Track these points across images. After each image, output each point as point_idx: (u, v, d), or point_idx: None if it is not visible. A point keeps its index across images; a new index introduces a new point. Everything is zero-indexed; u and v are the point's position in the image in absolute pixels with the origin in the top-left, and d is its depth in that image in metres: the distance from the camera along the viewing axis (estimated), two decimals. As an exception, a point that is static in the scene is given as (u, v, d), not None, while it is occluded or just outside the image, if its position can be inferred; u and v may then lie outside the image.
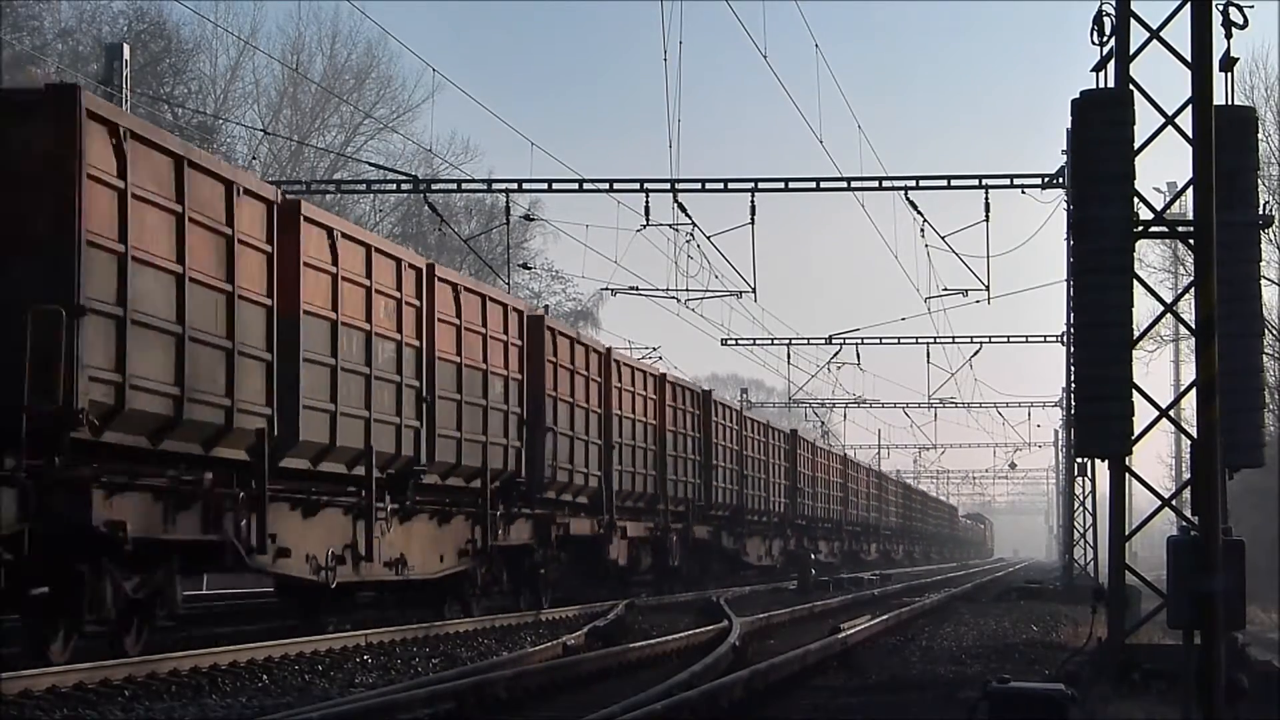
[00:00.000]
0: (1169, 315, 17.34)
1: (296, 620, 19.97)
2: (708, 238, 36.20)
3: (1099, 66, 16.36)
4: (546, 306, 39.96)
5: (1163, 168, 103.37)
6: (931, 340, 56.25)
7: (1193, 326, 12.42)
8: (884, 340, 57.23)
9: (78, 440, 13.46)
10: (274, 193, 16.81)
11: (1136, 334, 15.67)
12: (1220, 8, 16.19)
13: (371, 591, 20.91)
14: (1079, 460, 41.19)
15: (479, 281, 24.88)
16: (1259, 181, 18.09)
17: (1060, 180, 36.00)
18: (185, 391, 14.72)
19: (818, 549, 52.46)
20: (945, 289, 42.19)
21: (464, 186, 42.03)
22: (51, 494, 13.26)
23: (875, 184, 36.49)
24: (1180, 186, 19.90)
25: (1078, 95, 15.54)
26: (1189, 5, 12.10)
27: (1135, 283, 15.31)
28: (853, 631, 21.75)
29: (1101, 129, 15.23)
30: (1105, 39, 15.92)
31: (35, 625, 13.97)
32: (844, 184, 36.11)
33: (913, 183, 36.04)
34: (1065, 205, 34.52)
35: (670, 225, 35.97)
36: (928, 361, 58.67)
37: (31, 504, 13.10)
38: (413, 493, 20.39)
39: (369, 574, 19.30)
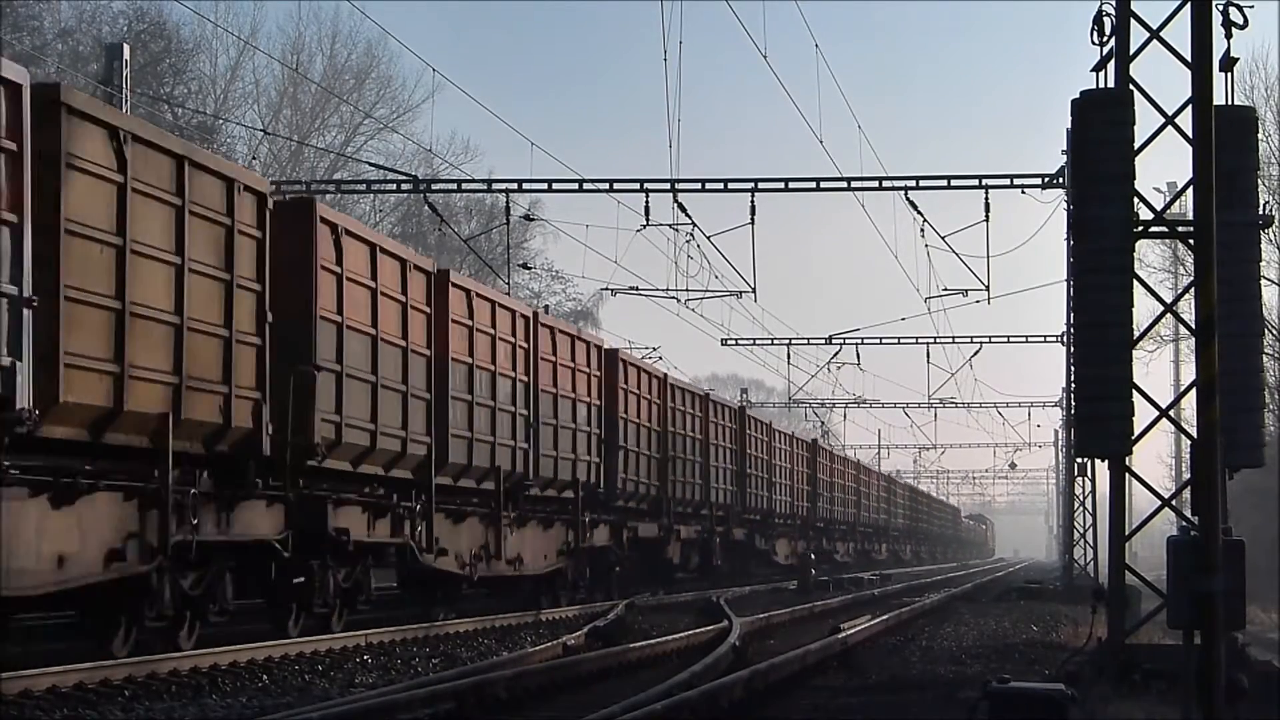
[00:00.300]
0: (1169, 315, 17.34)
1: (417, 609, 22.87)
2: (708, 238, 36.22)
3: (1099, 66, 16.36)
4: (546, 306, 39.98)
5: (1163, 168, 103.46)
6: (931, 340, 56.25)
7: (1193, 326, 12.41)
8: (884, 340, 57.21)
9: (309, 466, 17.75)
10: (432, 264, 21.38)
11: (1136, 334, 15.66)
12: (1220, 8, 16.20)
13: (473, 586, 23.86)
14: (1079, 460, 41.17)
15: (570, 324, 29.87)
16: (1259, 181, 18.07)
17: (1060, 180, 35.97)
18: (378, 427, 19.06)
19: (835, 549, 57.07)
20: (945, 289, 42.18)
21: (464, 186, 42.01)
22: (301, 508, 17.60)
23: (875, 184, 36.45)
24: (1180, 186, 19.89)
25: (1078, 95, 15.53)
26: (1189, 5, 12.09)
27: (1135, 283, 15.31)
28: (853, 631, 21.76)
29: (1101, 129, 15.22)
30: (1105, 39, 15.91)
31: (282, 608, 18.18)
32: (844, 184, 36.08)
33: (913, 183, 36.00)
34: (1065, 205, 34.50)
35: (670, 225, 35.97)
36: (928, 361, 58.68)
37: (294, 516, 17.41)
38: (523, 503, 24.74)
39: (496, 570, 23.67)
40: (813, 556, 45.89)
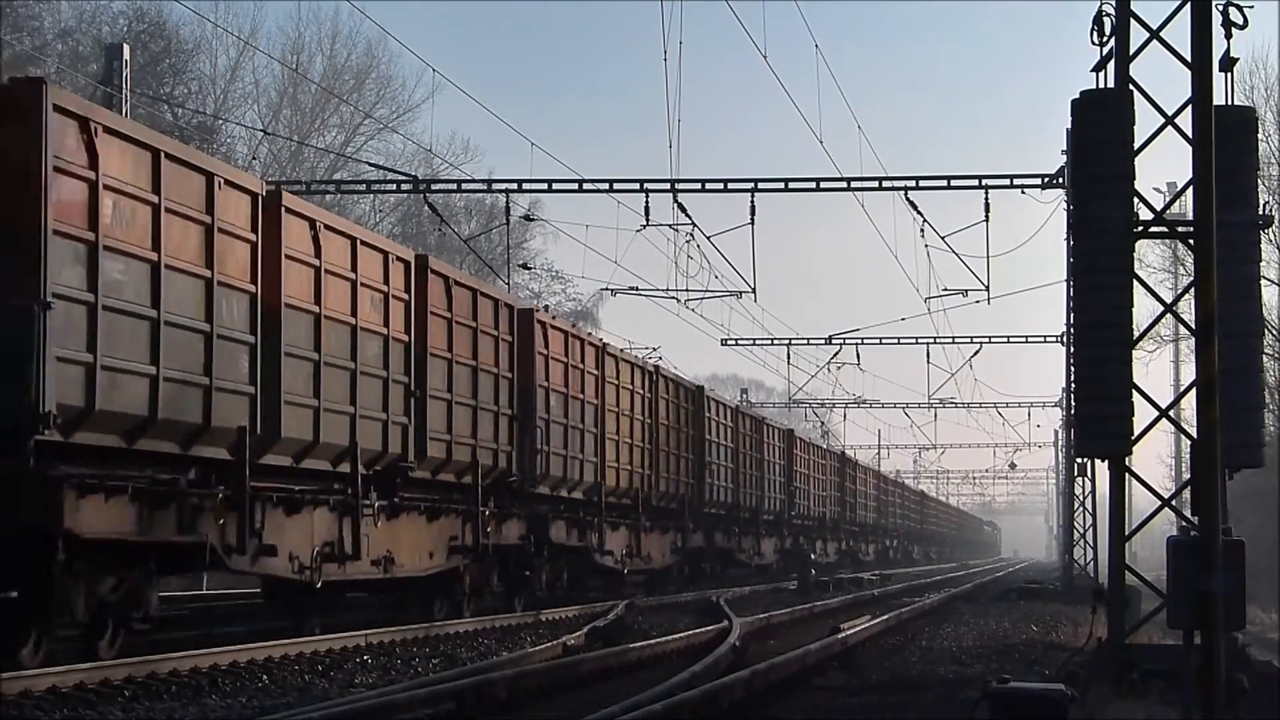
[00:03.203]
0: (1169, 315, 17.34)
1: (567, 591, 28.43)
2: (708, 238, 36.27)
3: (1099, 66, 16.36)
4: (546, 306, 39.98)
5: (1163, 168, 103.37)
6: (931, 340, 56.23)
7: (1193, 326, 12.41)
8: (884, 340, 57.21)
9: (520, 489, 24.70)
10: (599, 340, 29.40)
11: (1136, 334, 15.66)
12: (1220, 8, 16.21)
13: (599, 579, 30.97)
14: (1079, 460, 41.15)
15: (674, 372, 36.26)
16: (1259, 181, 18.08)
17: (1060, 180, 35.96)
18: (568, 461, 26.58)
19: (864, 550, 65.07)
20: (945, 289, 42.18)
21: (464, 186, 42.04)
22: (532, 522, 25.25)
23: (875, 184, 36.46)
24: (1180, 186, 19.89)
25: (1078, 95, 15.54)
26: (1189, 5, 12.09)
27: (1135, 283, 15.31)
28: (853, 632, 21.76)
29: (1101, 129, 15.22)
30: (1105, 39, 15.91)
31: (509, 594, 24.87)
32: (844, 184, 36.09)
33: (913, 183, 36.02)
34: (1065, 205, 34.50)
35: (670, 225, 35.98)
36: (928, 361, 58.69)
37: (530, 527, 25.03)
38: (649, 513, 31.98)
39: (637, 565, 31.32)
40: (813, 556, 46.09)
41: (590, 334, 29.64)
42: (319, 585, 18.04)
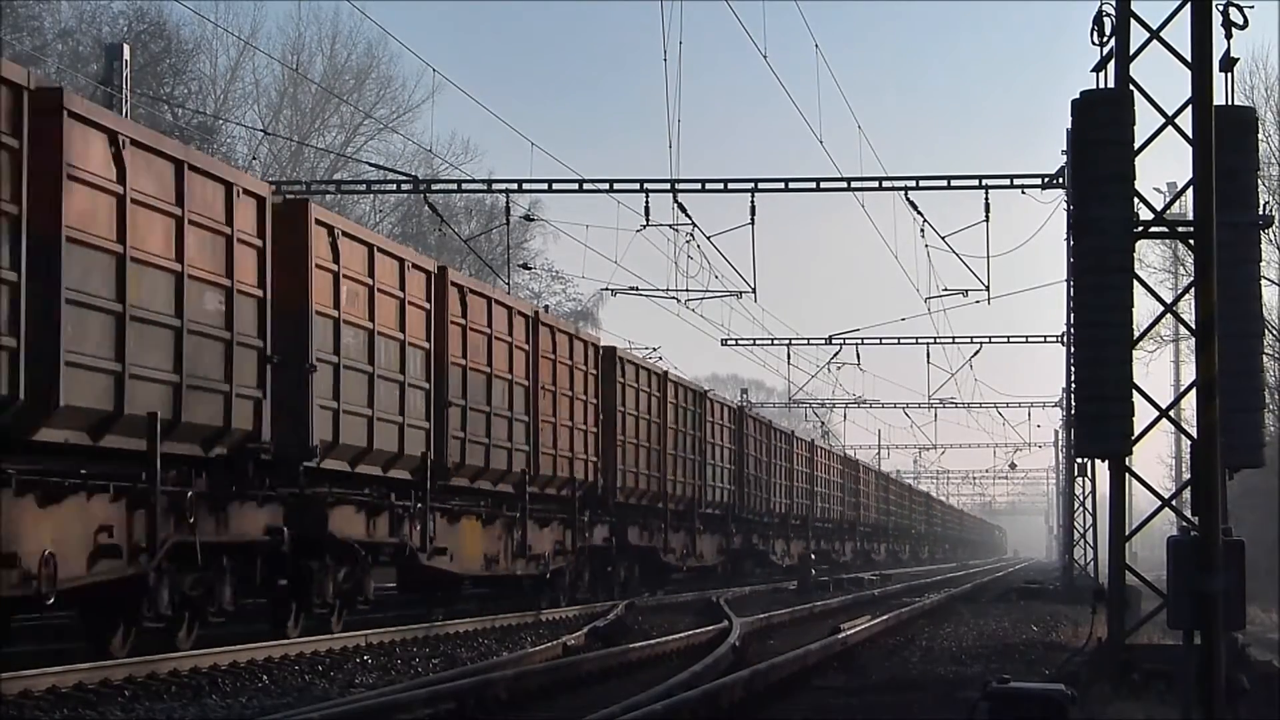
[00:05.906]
0: (1169, 315, 17.34)
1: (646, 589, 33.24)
2: (708, 238, 36.25)
3: (1099, 67, 16.36)
4: (546, 307, 40.01)
5: (1163, 168, 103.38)
6: (931, 340, 56.17)
7: (1193, 326, 12.40)
8: (884, 340, 57.13)
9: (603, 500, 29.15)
10: (661, 369, 34.30)
11: (1136, 334, 15.66)
12: (1220, 8, 16.20)
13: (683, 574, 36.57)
14: (1079, 460, 41.14)
15: (719, 396, 41.40)
16: (1259, 181, 18.08)
17: (1060, 180, 35.94)
18: (639, 471, 31.19)
19: (877, 550, 69.09)
20: (945, 289, 42.09)
21: (464, 187, 42.01)
22: (615, 528, 29.82)
23: (875, 184, 36.42)
24: (1180, 186, 19.89)
25: (1078, 95, 15.54)
26: (1189, 5, 12.09)
27: (1135, 283, 15.31)
28: (853, 632, 21.76)
29: (1101, 129, 15.22)
30: (1105, 39, 15.91)
31: (594, 587, 29.14)
32: (844, 184, 36.05)
33: (913, 183, 35.96)
34: (1065, 205, 34.49)
35: (670, 225, 35.95)
36: (928, 361, 58.63)
37: (613, 531, 29.72)
38: (700, 519, 36.69)
39: (693, 564, 36.05)
40: (813, 556, 46.23)
41: (657, 362, 34.83)
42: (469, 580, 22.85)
